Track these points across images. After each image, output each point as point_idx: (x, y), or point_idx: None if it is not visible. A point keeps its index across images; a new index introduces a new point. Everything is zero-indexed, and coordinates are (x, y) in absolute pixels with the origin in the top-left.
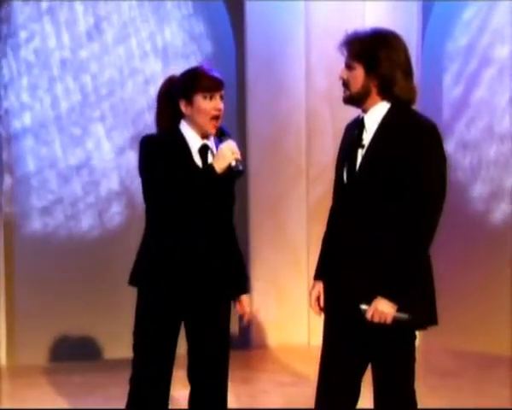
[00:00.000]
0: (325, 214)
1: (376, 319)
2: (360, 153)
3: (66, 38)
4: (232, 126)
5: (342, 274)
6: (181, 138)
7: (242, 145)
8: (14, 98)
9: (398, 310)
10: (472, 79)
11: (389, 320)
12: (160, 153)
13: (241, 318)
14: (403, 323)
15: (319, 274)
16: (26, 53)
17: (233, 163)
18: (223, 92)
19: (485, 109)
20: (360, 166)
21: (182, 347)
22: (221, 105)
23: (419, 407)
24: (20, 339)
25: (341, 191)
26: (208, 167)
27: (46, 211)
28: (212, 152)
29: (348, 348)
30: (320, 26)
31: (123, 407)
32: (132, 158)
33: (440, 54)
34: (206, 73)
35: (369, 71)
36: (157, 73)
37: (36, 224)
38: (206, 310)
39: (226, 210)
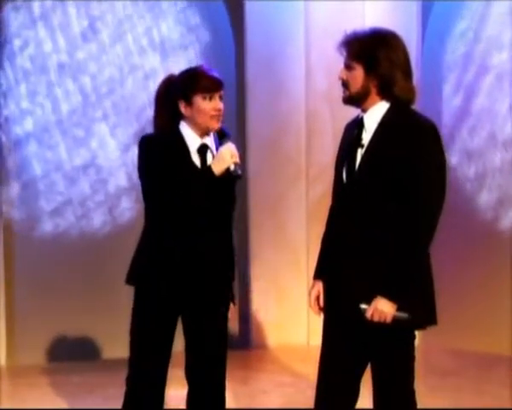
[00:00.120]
0: (325, 214)
1: (376, 319)
2: (360, 153)
3: (61, 41)
4: (232, 127)
5: (342, 274)
6: (179, 138)
7: (242, 145)
8: (14, 106)
9: (398, 310)
10: (471, 88)
11: (389, 320)
12: (158, 153)
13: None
14: (402, 322)
15: (319, 274)
16: (22, 60)
17: (232, 167)
18: (222, 92)
19: (487, 117)
20: (359, 166)
21: (179, 345)
22: (221, 105)
23: (419, 406)
24: (20, 340)
25: (341, 191)
26: (206, 169)
27: (56, 213)
28: (211, 151)
29: (348, 348)
30: (320, 26)
31: None
32: None
33: (440, 54)
34: (206, 74)
35: (368, 71)
36: (156, 67)
37: (46, 226)
38: (204, 309)
39: (226, 211)
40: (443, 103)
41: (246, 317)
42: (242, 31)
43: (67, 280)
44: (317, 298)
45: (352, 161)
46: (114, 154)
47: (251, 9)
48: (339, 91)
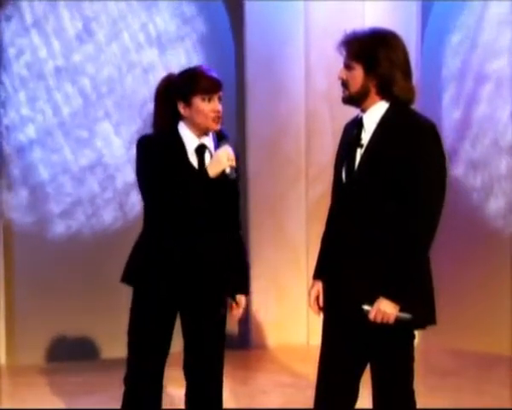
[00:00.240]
0: (324, 214)
1: (379, 320)
2: (359, 152)
3: (56, 45)
4: (232, 127)
5: (342, 274)
6: (177, 138)
7: (242, 145)
8: (15, 114)
9: (400, 310)
10: (471, 97)
11: (392, 321)
12: (156, 153)
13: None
14: (404, 323)
15: (318, 274)
16: (19, 68)
17: (227, 170)
18: (221, 93)
19: (488, 125)
20: (359, 166)
21: (177, 345)
22: (219, 107)
23: (419, 406)
24: (20, 339)
25: (340, 191)
26: (202, 171)
27: (66, 214)
28: (209, 152)
29: (347, 348)
30: (319, 26)
31: None
32: None
33: (440, 55)
34: (205, 74)
35: (368, 71)
36: (154, 61)
37: (58, 228)
38: (203, 309)
39: (225, 212)
40: (443, 111)
41: (245, 317)
42: (242, 31)
43: (67, 280)
44: (317, 298)
45: (352, 161)
46: (120, 151)
47: (250, 9)
48: (338, 91)
